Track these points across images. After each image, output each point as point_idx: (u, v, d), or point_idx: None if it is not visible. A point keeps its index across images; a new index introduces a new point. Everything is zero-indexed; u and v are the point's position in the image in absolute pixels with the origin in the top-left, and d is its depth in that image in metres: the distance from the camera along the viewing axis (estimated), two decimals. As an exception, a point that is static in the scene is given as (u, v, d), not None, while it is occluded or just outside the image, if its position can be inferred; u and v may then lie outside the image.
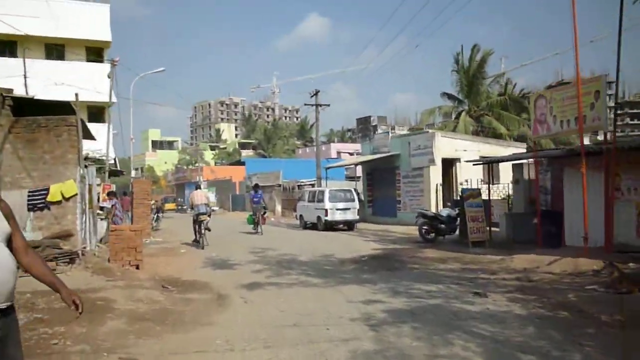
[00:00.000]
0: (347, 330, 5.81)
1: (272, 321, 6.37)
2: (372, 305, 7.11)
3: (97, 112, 24.89)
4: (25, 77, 18.92)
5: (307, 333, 5.75)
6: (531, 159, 14.98)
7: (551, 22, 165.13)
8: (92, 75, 22.99)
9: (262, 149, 74.97)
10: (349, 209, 21.09)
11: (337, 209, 20.91)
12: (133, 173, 35.68)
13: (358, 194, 23.46)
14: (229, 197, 46.96)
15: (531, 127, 13.44)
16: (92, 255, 10.73)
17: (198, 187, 18.37)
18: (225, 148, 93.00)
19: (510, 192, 18.27)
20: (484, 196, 15.51)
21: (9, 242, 2.60)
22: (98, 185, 14.97)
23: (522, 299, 7.31)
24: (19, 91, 15.52)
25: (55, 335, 5.44)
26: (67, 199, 10.36)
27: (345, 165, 34.49)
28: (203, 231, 15.22)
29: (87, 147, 14.64)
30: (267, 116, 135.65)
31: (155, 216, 22.90)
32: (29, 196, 10.13)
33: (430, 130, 27.28)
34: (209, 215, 15.79)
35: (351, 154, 53.25)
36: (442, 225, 15.51)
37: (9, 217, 2.63)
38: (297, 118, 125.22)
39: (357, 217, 21.51)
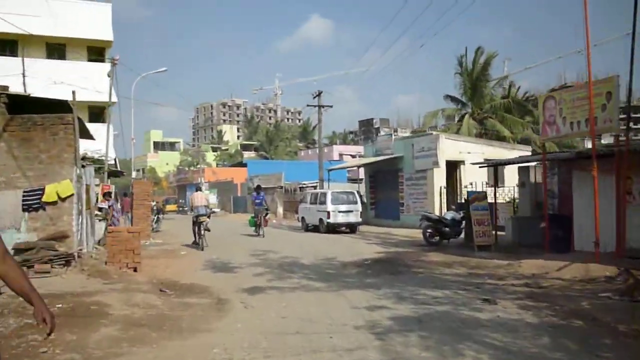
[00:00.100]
0: (351, 339, 5.53)
1: (273, 328, 6.10)
2: (377, 312, 6.83)
3: (98, 112, 24.65)
4: (24, 76, 18.70)
5: (309, 341, 5.47)
6: (538, 162, 14.72)
7: (553, 25, 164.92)
8: (93, 74, 22.76)
9: (264, 150, 74.71)
10: (351, 211, 20.84)
11: (340, 211, 20.66)
12: (134, 174, 35.50)
13: (360, 196, 23.20)
14: (230, 198, 46.69)
15: (540, 129, 13.14)
16: (89, 257, 10.48)
17: (198, 189, 18.33)
18: (227, 150, 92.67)
19: (516, 195, 18.00)
20: (490, 199, 15.23)
21: None
22: (97, 185, 14.72)
23: (533, 307, 7.02)
24: (18, 90, 15.30)
25: (45, 343, 5.17)
26: (63, 200, 10.10)
27: (348, 167, 34.23)
28: (203, 232, 15.18)
29: (86, 147, 14.42)
30: (270, 118, 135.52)
31: (155, 217, 22.64)
32: (24, 196, 9.87)
33: (434, 132, 26.98)
34: (209, 217, 15.81)
35: (353, 156, 53.00)
36: (447, 229, 15.25)
37: None
38: (299, 120, 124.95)
39: (360, 219, 21.27)
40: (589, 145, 26.99)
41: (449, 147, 21.92)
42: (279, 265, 11.58)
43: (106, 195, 15.18)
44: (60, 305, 6.81)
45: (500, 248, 13.58)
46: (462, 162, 21.96)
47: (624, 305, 6.97)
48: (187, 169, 71.15)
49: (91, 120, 22.96)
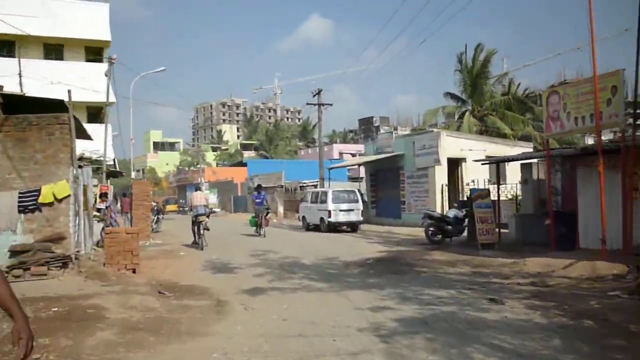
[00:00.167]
0: (355, 342, 5.36)
1: (274, 331, 5.92)
2: (381, 313, 6.65)
3: (96, 113, 24.44)
4: (20, 76, 18.51)
5: (312, 345, 5.30)
6: (540, 159, 14.53)
7: (552, 24, 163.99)
8: (90, 75, 22.60)
9: (264, 150, 74.50)
10: (352, 210, 20.67)
11: (341, 210, 20.49)
12: (133, 174, 35.31)
13: (361, 194, 23.02)
14: (230, 198, 46.53)
15: (543, 125, 12.95)
16: (87, 259, 10.30)
17: (198, 188, 18.21)
18: (227, 149, 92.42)
19: (518, 192, 17.81)
20: (492, 197, 15.05)
21: None
22: (95, 186, 14.52)
23: (541, 306, 6.84)
24: (14, 90, 15.12)
25: (39, 349, 4.99)
26: (60, 201, 9.90)
27: (349, 166, 34.04)
28: (202, 232, 15.09)
29: (84, 147, 14.23)
30: (269, 117, 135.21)
31: (155, 218, 22.45)
32: (19, 197, 9.68)
33: (435, 130, 26.80)
34: (208, 216, 15.72)
35: (353, 155, 52.73)
36: (449, 227, 15.06)
37: None
38: (299, 119, 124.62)
39: (361, 218, 21.09)
40: (589, 142, 26.86)
41: (451, 145, 21.74)
42: (280, 266, 11.41)
43: (102, 196, 14.99)
44: (56, 309, 6.65)
45: (504, 246, 13.39)
46: (464, 159, 21.78)
47: (635, 304, 6.79)
48: (187, 169, 70.95)
49: (89, 121, 22.80)
